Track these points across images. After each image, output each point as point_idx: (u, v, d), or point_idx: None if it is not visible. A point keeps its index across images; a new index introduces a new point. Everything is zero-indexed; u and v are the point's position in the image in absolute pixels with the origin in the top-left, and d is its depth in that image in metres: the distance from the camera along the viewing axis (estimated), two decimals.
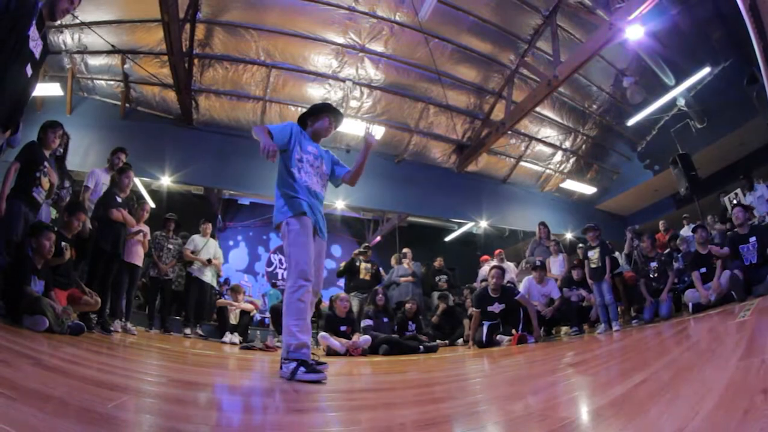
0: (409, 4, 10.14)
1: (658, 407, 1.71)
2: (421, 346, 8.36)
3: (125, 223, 7.21)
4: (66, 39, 10.50)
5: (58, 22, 4.46)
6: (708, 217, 11.82)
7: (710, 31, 11.41)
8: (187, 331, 9.26)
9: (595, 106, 14.30)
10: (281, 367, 3.43)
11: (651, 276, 9.00)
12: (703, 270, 8.25)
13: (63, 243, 5.73)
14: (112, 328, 7.00)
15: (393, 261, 12.20)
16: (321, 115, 4.39)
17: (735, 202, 11.15)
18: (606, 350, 5.42)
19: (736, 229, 8.44)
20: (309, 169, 4.10)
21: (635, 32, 9.31)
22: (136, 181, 10.21)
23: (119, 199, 7.17)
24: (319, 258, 4.01)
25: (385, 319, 9.01)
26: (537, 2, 10.90)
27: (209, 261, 9.70)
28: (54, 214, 6.61)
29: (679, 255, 9.29)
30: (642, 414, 1.67)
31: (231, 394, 2.63)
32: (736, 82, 10.85)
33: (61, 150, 6.71)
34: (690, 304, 8.15)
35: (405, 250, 11.93)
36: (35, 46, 3.90)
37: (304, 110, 4.46)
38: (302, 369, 3.29)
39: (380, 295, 9.31)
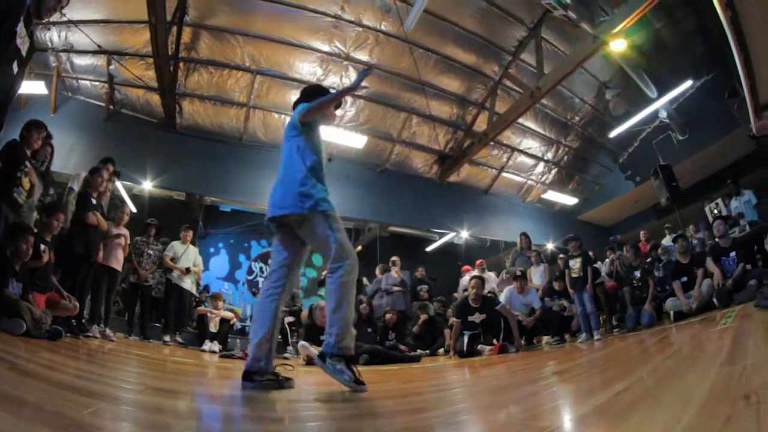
0: (395, 14, 10.17)
1: (640, 414, 1.71)
2: (405, 356, 8.36)
3: (99, 226, 7.15)
4: (53, 36, 10.40)
5: (45, 20, 4.43)
6: (690, 226, 11.94)
7: (693, 45, 11.59)
8: (167, 338, 9.19)
9: (577, 118, 14.45)
10: (324, 360, 3.26)
11: (634, 285, 9.08)
12: (684, 279, 8.37)
13: (42, 246, 5.67)
14: (90, 333, 6.94)
15: (378, 270, 12.13)
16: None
17: (716, 212, 11.27)
18: (587, 359, 5.43)
19: (717, 241, 8.55)
20: (323, 155, 3.88)
21: (618, 45, 9.41)
22: (118, 184, 10.11)
23: (94, 201, 7.13)
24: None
25: (369, 329, 9.00)
26: (522, 14, 11.01)
27: (188, 270, 9.62)
28: (36, 216, 6.55)
29: (660, 264, 9.38)
30: (624, 421, 1.67)
31: (210, 403, 2.61)
32: (717, 94, 11.05)
33: (44, 167, 6.65)
34: (671, 312, 8.26)
35: (394, 258, 11.89)
36: (22, 43, 3.87)
37: (308, 87, 4.24)
38: (351, 375, 3.17)
39: (364, 305, 9.30)
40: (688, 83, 12.10)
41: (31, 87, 10.44)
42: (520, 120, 12.93)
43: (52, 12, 4.14)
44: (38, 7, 3.99)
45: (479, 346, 8.36)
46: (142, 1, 8.38)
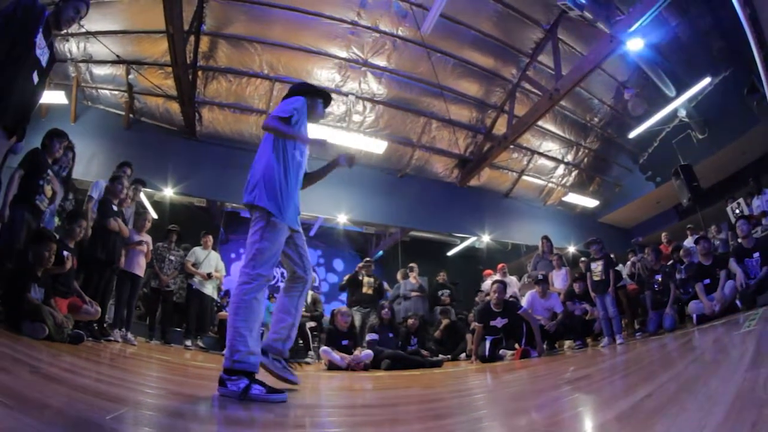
0: (411, 19, 10.19)
1: (665, 421, 1.69)
2: (426, 361, 8.32)
3: (120, 232, 7.25)
4: (72, 47, 10.58)
5: (64, 30, 4.53)
6: (713, 227, 11.77)
7: (710, 42, 11.42)
8: (188, 342, 9.24)
9: (596, 119, 14.32)
10: (225, 384, 2.92)
11: (656, 288, 8.95)
12: (707, 281, 8.22)
13: (65, 252, 5.73)
14: (111, 338, 7.05)
15: (399, 276, 12.10)
16: (317, 98, 3.99)
17: (738, 212, 11.11)
18: (610, 364, 5.39)
19: (740, 242, 8.43)
20: (303, 160, 3.75)
21: (635, 44, 9.35)
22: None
23: (115, 208, 7.24)
24: (304, 250, 3.73)
25: (390, 334, 8.97)
26: (538, 16, 10.95)
27: (209, 275, 9.66)
28: (57, 221, 6.64)
29: (682, 267, 9.25)
30: (649, 428, 1.65)
31: (231, 409, 2.60)
32: (736, 91, 11.02)
33: (66, 172, 6.75)
34: (694, 316, 8.09)
35: (411, 264, 11.89)
36: (42, 53, 3.94)
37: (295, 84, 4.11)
38: (259, 388, 2.86)
39: (386, 310, 9.28)
40: (707, 80, 11.86)
41: (52, 97, 10.60)
42: (540, 122, 12.81)
43: (71, 23, 4.20)
44: (57, 19, 4.06)
45: (501, 351, 8.30)
46: (160, 11, 8.47)
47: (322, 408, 2.91)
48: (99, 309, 6.22)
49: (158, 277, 9.34)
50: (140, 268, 8.12)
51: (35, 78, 3.94)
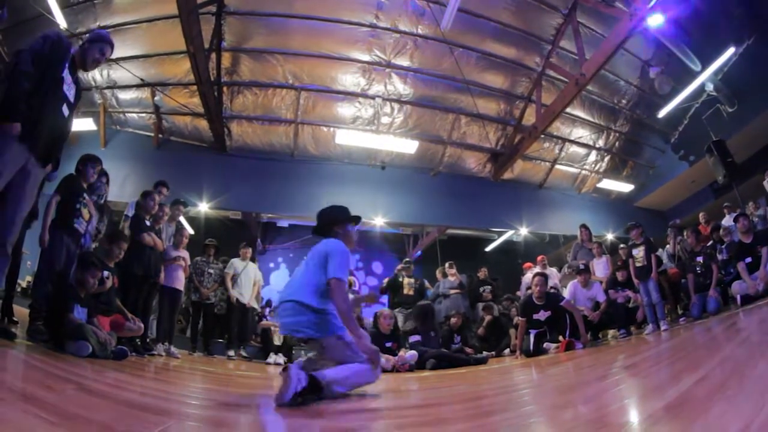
0: (430, 16, 10.16)
1: (719, 406, 1.66)
2: (471, 358, 8.27)
3: (155, 247, 7.29)
4: (95, 76, 10.90)
5: (91, 71, 4.70)
6: (750, 203, 11.44)
7: (730, 10, 11.15)
8: (231, 353, 9.30)
9: (624, 101, 14.13)
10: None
11: (698, 271, 8.76)
12: (749, 260, 8.01)
13: (105, 272, 5.81)
14: (155, 352, 7.18)
15: (438, 274, 12.05)
16: (350, 224, 3.97)
17: None
18: (656, 351, 5.29)
19: None
20: None
21: (656, 20, 9.17)
22: None
23: (148, 223, 7.30)
24: None
25: (432, 333, 8.92)
26: (555, 1, 10.86)
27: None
28: (95, 244, 6.76)
29: (723, 246, 9.03)
30: (703, 414, 1.61)
31: (276, 416, 2.60)
32: (761, 59, 10.83)
33: (102, 200, 6.88)
34: (738, 297, 7.93)
35: (449, 262, 11.84)
36: (69, 89, 4.07)
37: (329, 213, 4.02)
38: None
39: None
40: (731, 50, 11.59)
41: (80, 124, 10.90)
42: (568, 109, 12.61)
43: (97, 63, 4.37)
44: (84, 60, 4.23)
45: (545, 344, 8.21)
46: (178, 33, 8.64)
47: (368, 411, 2.90)
48: (141, 325, 6.29)
49: (198, 291, 9.45)
50: (180, 282, 8.19)
51: (65, 111, 4.07)
